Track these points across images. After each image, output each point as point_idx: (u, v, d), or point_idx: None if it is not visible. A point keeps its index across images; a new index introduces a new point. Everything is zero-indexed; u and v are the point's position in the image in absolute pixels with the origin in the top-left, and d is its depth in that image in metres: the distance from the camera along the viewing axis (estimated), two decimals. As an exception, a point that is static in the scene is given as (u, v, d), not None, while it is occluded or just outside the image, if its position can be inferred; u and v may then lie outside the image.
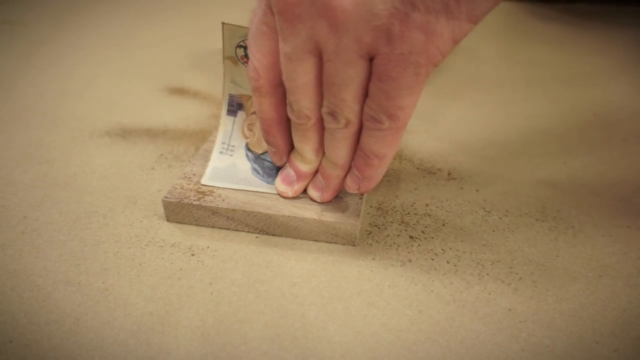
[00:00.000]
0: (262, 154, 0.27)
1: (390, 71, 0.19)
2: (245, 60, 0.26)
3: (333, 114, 0.21)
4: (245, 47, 0.26)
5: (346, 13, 0.18)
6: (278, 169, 0.26)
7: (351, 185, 0.24)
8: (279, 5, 0.19)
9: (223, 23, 0.26)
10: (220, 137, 0.27)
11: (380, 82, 0.19)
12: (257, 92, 0.23)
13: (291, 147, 0.25)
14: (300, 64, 0.21)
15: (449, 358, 0.19)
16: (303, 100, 0.21)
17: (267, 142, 0.25)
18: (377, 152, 0.22)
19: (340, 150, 0.23)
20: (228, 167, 0.27)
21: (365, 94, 0.21)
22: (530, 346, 0.20)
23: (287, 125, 0.24)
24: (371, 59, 0.20)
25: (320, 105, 0.22)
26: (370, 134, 0.21)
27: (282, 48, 0.21)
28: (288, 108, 0.22)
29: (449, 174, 0.30)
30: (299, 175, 0.25)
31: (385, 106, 0.20)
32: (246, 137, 0.27)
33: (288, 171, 0.25)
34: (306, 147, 0.24)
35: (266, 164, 0.27)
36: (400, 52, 0.19)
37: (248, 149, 0.27)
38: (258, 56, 0.22)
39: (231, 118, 0.27)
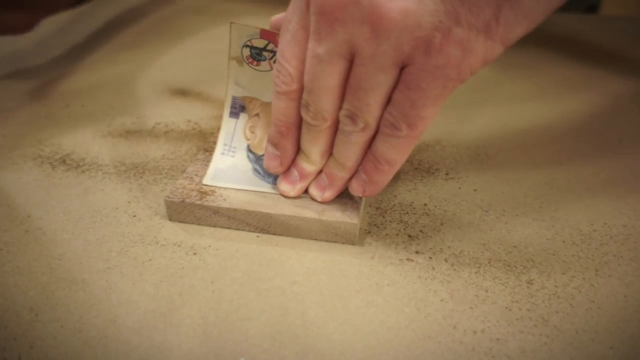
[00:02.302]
0: (263, 155, 0.27)
1: (421, 81, 0.19)
2: (250, 60, 0.27)
3: (352, 117, 0.21)
4: (251, 47, 0.26)
5: (392, 21, 0.19)
6: None
7: (356, 188, 0.24)
8: (324, 6, 0.20)
9: (231, 22, 0.26)
10: (221, 138, 0.28)
11: (408, 90, 0.20)
12: (287, 96, 0.23)
13: (295, 155, 0.25)
14: (329, 66, 0.21)
15: (446, 356, 0.19)
16: (323, 102, 0.22)
17: (277, 145, 0.25)
18: (388, 158, 0.22)
19: (351, 153, 0.23)
20: (229, 167, 0.27)
21: (388, 101, 0.21)
22: (528, 344, 0.20)
23: (299, 131, 0.24)
24: (402, 68, 0.20)
25: (338, 108, 0.22)
26: (385, 139, 0.22)
27: (313, 48, 0.21)
28: (303, 109, 0.23)
29: (447, 174, 0.30)
30: (302, 175, 0.25)
31: (407, 114, 0.20)
32: (248, 139, 0.27)
33: (291, 170, 0.25)
34: (314, 148, 0.24)
35: None
36: (435, 65, 0.19)
37: (249, 150, 0.27)
38: (294, 62, 0.22)
39: (233, 120, 0.28)
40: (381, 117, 0.21)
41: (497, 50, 0.20)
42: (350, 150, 0.23)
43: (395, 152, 0.22)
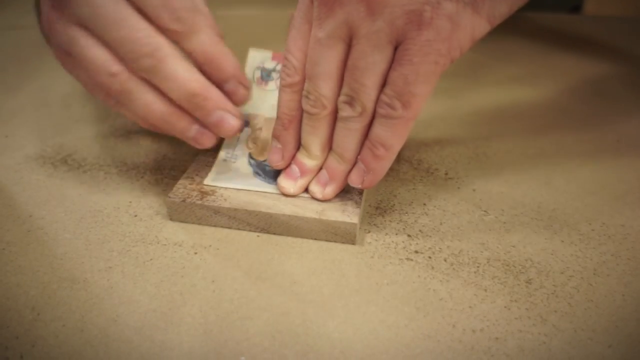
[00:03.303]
0: (263, 160, 0.27)
1: (413, 56, 0.20)
2: (260, 82, 0.29)
3: (350, 102, 0.22)
4: (262, 69, 0.29)
5: None
6: (279, 171, 0.27)
7: (355, 179, 0.25)
8: None
9: (250, 49, 0.29)
10: (224, 148, 0.28)
11: (400, 66, 0.21)
12: (291, 88, 0.24)
13: (296, 151, 0.26)
14: (329, 49, 0.22)
15: (445, 354, 0.20)
16: (323, 87, 0.22)
17: (280, 138, 0.25)
18: (385, 142, 0.23)
19: (350, 141, 0.23)
20: (231, 170, 0.27)
21: (383, 85, 0.22)
22: (526, 343, 0.20)
23: (300, 125, 0.25)
24: (396, 48, 0.21)
25: (337, 95, 0.23)
26: (381, 122, 0.22)
27: (315, 34, 0.22)
28: (304, 99, 0.23)
29: (446, 174, 0.31)
30: (303, 171, 0.25)
31: (401, 92, 0.21)
32: (250, 148, 0.28)
33: (292, 167, 0.25)
34: (315, 139, 0.24)
35: (267, 168, 0.28)
36: (427, 39, 0.20)
37: (251, 157, 0.28)
38: (298, 55, 0.23)
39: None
40: (377, 101, 0.22)
41: (484, 27, 0.21)
42: (349, 137, 0.23)
43: (391, 135, 0.23)
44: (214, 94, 0.24)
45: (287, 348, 0.20)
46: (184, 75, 0.23)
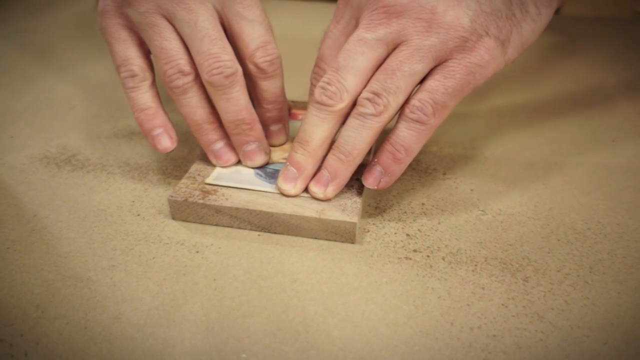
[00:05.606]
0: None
1: (457, 72, 0.23)
2: None
3: (373, 99, 0.23)
4: None
5: (444, 19, 0.23)
6: (279, 171, 0.27)
7: (372, 182, 0.25)
8: (388, 6, 0.23)
9: None
10: None
11: (444, 78, 0.23)
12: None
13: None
14: (371, 49, 0.23)
15: (444, 352, 0.20)
16: (349, 81, 0.24)
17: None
18: (408, 145, 0.24)
19: (362, 139, 0.24)
20: (232, 172, 0.28)
21: (408, 95, 0.24)
22: (523, 340, 0.20)
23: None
24: (436, 66, 0.24)
25: (357, 93, 0.24)
26: (409, 126, 0.24)
27: (359, 34, 0.24)
28: (319, 90, 0.24)
29: (444, 174, 0.31)
30: (300, 169, 0.25)
31: (437, 100, 0.23)
32: None
33: (288, 169, 0.26)
34: (318, 132, 0.24)
35: (268, 170, 0.28)
36: (469, 61, 0.23)
37: None
38: (329, 60, 0.26)
39: None
40: (401, 106, 0.24)
41: (502, 66, 0.25)
42: (362, 136, 0.24)
43: (416, 140, 0.24)
44: (259, 128, 0.27)
45: (288, 345, 0.20)
46: (243, 103, 0.26)
